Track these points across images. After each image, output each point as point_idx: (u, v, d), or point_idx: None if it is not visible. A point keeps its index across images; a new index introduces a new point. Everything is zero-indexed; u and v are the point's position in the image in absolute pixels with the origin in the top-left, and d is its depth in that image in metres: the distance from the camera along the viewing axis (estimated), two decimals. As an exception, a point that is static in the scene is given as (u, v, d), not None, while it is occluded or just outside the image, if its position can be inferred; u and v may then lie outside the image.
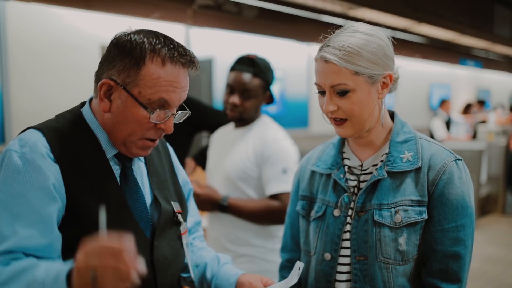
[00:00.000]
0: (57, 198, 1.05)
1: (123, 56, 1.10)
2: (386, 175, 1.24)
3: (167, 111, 1.12)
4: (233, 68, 2.06)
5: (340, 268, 1.27)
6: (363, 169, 1.31)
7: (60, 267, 0.95)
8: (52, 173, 1.05)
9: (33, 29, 4.36)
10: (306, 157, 1.49)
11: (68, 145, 1.11)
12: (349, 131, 1.25)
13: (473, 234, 1.24)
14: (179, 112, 1.17)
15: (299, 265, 1.19)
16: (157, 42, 1.11)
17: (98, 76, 1.14)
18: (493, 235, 6.09)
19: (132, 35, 1.11)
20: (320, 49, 1.22)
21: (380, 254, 1.21)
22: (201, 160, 2.60)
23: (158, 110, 1.10)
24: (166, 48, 1.10)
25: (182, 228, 1.27)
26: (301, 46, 7.23)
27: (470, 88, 14.20)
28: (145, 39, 1.10)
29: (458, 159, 1.26)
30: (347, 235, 1.27)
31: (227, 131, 2.22)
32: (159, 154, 1.34)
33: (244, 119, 2.06)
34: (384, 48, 1.23)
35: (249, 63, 2.02)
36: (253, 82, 2.01)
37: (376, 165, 1.29)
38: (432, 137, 7.98)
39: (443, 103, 8.51)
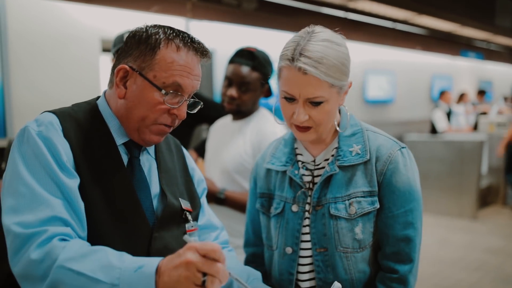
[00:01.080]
0: (75, 174, 1.09)
1: (139, 44, 1.16)
2: (338, 170, 1.30)
3: (180, 94, 1.16)
4: (232, 61, 2.06)
5: (302, 261, 1.34)
6: (316, 164, 1.36)
7: (139, 258, 0.96)
8: (65, 151, 1.09)
9: (33, 22, 4.37)
10: (261, 155, 1.53)
11: (79, 130, 1.15)
12: (313, 136, 1.29)
13: (421, 217, 1.32)
14: (192, 100, 1.22)
15: (337, 286, 1.20)
16: (172, 32, 1.18)
17: (115, 66, 1.20)
18: (494, 226, 6.11)
19: (148, 28, 1.19)
20: (294, 58, 1.20)
21: (339, 245, 1.28)
22: (202, 151, 2.62)
23: (172, 92, 1.15)
24: (180, 37, 1.17)
25: (188, 226, 1.28)
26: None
27: (472, 80, 14.17)
28: (160, 30, 1.17)
29: (403, 147, 1.33)
30: (306, 229, 1.33)
31: (225, 123, 2.22)
32: (171, 153, 1.36)
33: (241, 112, 2.06)
34: (349, 57, 1.26)
35: (248, 56, 2.02)
36: (252, 75, 2.00)
37: (328, 159, 1.35)
38: (433, 128, 8.00)
39: (443, 94, 8.49)
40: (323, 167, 1.35)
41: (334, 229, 1.28)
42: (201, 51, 1.19)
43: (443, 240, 5.50)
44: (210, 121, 2.61)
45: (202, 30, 5.75)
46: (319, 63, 1.18)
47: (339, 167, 1.31)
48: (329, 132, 1.35)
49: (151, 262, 0.94)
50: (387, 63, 9.82)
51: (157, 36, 1.15)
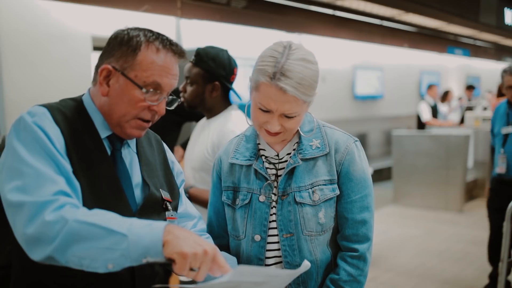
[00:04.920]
0: (68, 160, 1.19)
1: (121, 45, 1.26)
2: (300, 162, 1.45)
3: (159, 92, 1.27)
4: None
5: (269, 247, 1.47)
6: (279, 158, 1.49)
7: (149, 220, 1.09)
8: (58, 140, 1.19)
9: (24, 23, 4.41)
10: (222, 151, 1.62)
11: (67, 123, 1.24)
12: (281, 139, 1.44)
13: (373, 201, 1.51)
14: (171, 97, 1.33)
15: (307, 264, 1.25)
16: (152, 35, 1.28)
17: (98, 66, 1.30)
18: (479, 219, 6.20)
19: (129, 30, 1.29)
20: (275, 77, 1.31)
21: (304, 229, 1.43)
22: (189, 147, 2.70)
23: (152, 90, 1.25)
24: (160, 39, 1.28)
25: (168, 214, 1.38)
26: (291, 36, 7.31)
27: (460, 75, 14.32)
28: (140, 33, 1.27)
29: (356, 141, 1.51)
30: (273, 217, 1.47)
31: (202, 122, 2.32)
32: (151, 148, 1.45)
33: (191, 106, 2.17)
34: (319, 73, 1.40)
35: (195, 54, 2.15)
36: (192, 70, 2.13)
37: (290, 153, 1.49)
38: (419, 119, 8.19)
39: (430, 88, 8.68)
40: (286, 161, 1.48)
41: (300, 214, 1.43)
42: (178, 52, 1.30)
43: (429, 232, 5.59)
44: (197, 119, 2.69)
45: (193, 28, 5.83)
46: (299, 84, 1.31)
47: (302, 159, 1.45)
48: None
49: (161, 222, 1.07)
50: (376, 60, 9.93)
51: (138, 39, 1.25)
